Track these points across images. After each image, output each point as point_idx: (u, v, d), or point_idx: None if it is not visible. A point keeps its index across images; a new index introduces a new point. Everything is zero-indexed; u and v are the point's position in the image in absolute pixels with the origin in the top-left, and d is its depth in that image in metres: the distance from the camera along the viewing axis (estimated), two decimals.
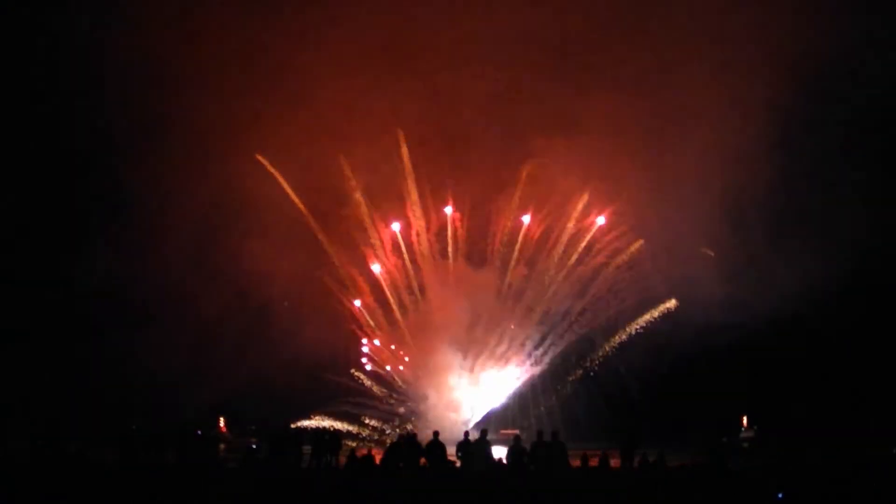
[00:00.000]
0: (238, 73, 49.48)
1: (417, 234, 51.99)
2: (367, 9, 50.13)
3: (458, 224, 52.05)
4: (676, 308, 49.73)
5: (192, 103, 47.25)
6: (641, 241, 50.21)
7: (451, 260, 52.39)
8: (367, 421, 51.85)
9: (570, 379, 51.51)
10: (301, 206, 50.77)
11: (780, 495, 20.68)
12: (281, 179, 49.94)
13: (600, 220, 50.56)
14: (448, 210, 51.95)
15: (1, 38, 48.03)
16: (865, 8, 47.51)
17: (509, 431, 43.94)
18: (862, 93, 47.69)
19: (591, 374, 51.13)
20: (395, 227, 51.94)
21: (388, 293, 52.33)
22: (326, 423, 49.76)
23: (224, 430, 50.53)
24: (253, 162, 48.87)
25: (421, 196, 51.72)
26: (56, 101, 49.59)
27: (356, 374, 53.03)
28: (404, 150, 50.64)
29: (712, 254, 48.60)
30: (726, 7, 48.21)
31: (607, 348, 50.74)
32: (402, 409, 52.55)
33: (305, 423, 49.02)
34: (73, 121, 48.83)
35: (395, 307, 52.40)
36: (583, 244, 50.99)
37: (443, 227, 52.12)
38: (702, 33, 47.94)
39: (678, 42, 47.68)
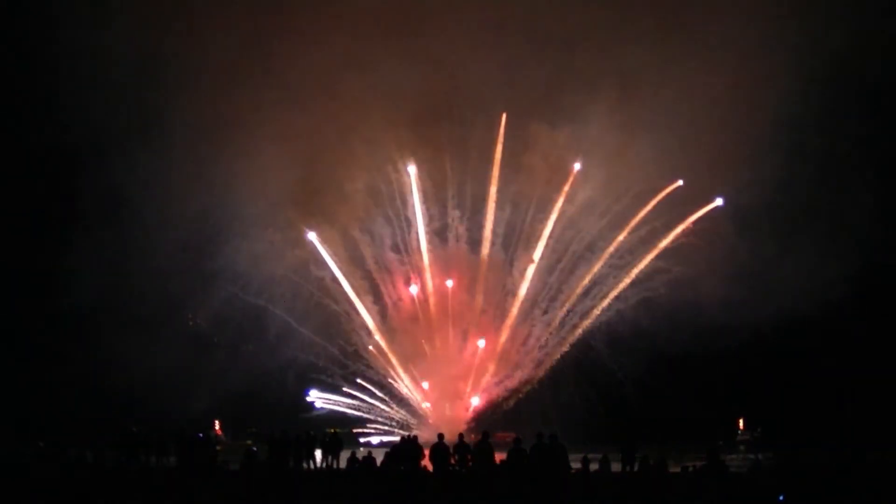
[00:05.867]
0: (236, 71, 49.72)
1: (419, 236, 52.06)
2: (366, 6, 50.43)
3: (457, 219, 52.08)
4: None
5: (190, 102, 47.44)
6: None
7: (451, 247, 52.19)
8: (366, 422, 51.82)
9: (569, 380, 51.38)
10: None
11: (781, 497, 20.80)
12: None
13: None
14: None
15: None
16: (877, 8, 47.72)
17: (506, 434, 43.87)
18: (873, 93, 47.85)
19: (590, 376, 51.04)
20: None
21: (384, 289, 52.28)
22: (326, 425, 49.61)
23: (220, 433, 50.46)
24: (250, 162, 48.70)
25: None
26: (53, 101, 49.60)
27: (354, 375, 52.87)
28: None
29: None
30: (736, 6, 48.48)
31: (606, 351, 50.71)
32: (400, 411, 52.48)
33: (304, 426, 48.81)
34: (71, 121, 48.71)
35: (390, 303, 52.34)
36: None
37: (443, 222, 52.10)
38: (710, 33, 48.15)
39: (680, 39, 47.93)
